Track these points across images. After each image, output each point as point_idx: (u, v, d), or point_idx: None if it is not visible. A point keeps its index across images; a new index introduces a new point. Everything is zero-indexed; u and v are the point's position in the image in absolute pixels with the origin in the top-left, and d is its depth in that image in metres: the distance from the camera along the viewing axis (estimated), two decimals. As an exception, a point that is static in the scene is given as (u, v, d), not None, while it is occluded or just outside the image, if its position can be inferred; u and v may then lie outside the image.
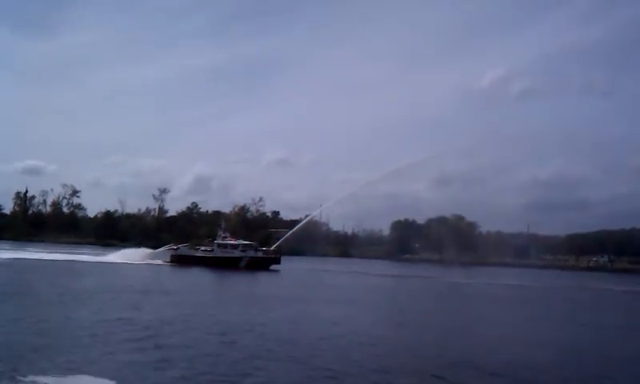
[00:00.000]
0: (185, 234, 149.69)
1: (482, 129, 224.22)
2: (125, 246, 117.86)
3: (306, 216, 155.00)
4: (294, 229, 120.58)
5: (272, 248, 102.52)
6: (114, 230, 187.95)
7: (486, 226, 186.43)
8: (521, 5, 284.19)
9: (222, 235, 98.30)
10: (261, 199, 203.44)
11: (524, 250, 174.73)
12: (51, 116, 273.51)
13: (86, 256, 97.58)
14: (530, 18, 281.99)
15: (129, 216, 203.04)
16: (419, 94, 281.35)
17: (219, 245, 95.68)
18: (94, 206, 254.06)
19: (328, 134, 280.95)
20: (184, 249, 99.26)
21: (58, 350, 23.17)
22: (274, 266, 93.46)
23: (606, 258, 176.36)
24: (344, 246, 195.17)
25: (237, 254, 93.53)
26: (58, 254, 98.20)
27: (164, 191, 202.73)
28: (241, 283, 70.22)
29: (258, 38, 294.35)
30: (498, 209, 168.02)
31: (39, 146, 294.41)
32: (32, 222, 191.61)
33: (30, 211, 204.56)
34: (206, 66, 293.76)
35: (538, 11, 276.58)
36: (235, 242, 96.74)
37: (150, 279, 65.19)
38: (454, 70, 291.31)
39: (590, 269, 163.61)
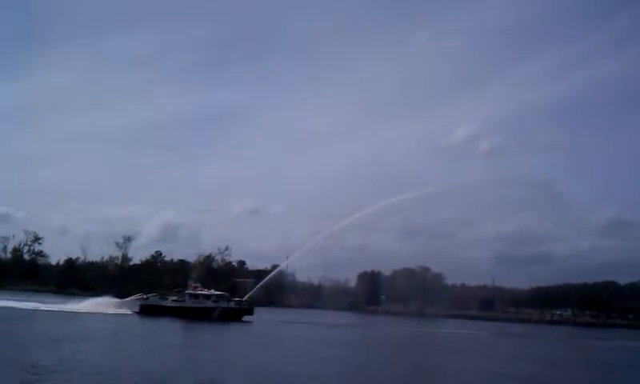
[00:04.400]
0: (149, 284, 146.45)
1: (449, 183, 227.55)
2: (86, 295, 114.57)
3: (273, 266, 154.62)
4: (264, 280, 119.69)
5: (244, 299, 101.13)
6: (75, 278, 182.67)
7: (451, 279, 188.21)
8: (489, 61, 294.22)
9: (193, 285, 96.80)
10: (227, 248, 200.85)
11: (489, 303, 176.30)
12: (14, 161, 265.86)
13: (44, 305, 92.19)
14: (497, 74, 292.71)
15: (91, 264, 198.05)
16: (389, 146, 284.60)
17: (191, 295, 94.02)
18: (59, 253, 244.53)
19: (298, 184, 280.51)
20: (154, 299, 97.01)
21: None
22: (246, 317, 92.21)
23: (569, 312, 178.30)
24: (310, 296, 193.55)
25: (209, 304, 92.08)
26: (17, 302, 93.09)
27: (128, 239, 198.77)
28: (213, 335, 68.99)
29: (228, 86, 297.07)
30: (464, 261, 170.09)
31: (5, 193, 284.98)
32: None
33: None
34: (177, 113, 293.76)
35: (504, 67, 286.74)
36: (207, 293, 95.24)
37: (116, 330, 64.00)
38: (425, 124, 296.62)
39: (553, 322, 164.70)
